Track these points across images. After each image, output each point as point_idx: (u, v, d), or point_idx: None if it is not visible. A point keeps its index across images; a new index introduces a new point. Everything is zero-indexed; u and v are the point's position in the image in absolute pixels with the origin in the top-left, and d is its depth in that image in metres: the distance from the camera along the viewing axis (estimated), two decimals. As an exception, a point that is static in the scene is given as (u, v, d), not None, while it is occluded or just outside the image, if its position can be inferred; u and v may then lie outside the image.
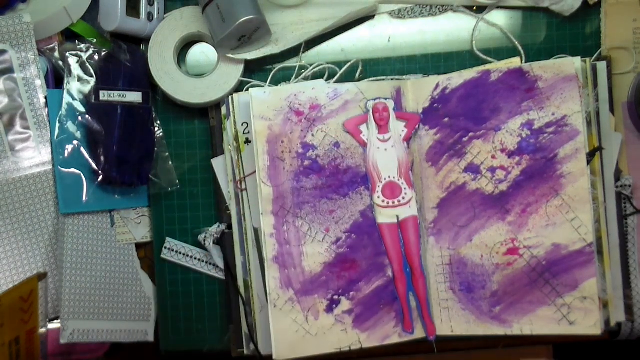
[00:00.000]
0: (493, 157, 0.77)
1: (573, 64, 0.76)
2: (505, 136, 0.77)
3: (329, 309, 0.77)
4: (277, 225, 0.77)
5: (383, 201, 0.77)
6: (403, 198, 0.77)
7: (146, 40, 0.81)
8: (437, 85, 0.78)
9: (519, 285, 0.77)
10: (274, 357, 0.76)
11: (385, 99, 0.78)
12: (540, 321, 0.76)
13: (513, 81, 0.77)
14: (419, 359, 0.84)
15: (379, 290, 0.77)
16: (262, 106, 0.76)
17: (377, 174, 0.77)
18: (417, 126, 0.78)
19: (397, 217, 0.77)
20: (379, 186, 0.77)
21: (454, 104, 0.77)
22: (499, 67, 0.78)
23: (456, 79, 0.77)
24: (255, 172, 0.77)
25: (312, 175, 0.77)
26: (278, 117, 0.77)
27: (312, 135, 0.77)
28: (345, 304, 0.77)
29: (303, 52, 0.82)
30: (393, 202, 0.77)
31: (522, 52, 0.80)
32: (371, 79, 0.81)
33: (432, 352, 0.78)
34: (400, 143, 0.78)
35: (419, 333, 0.78)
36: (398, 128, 0.78)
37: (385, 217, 0.77)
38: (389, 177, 0.77)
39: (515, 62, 0.80)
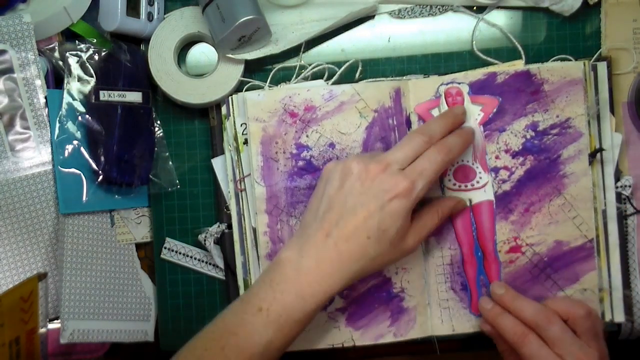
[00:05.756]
0: (497, 157, 0.77)
1: (580, 68, 0.76)
2: (509, 137, 0.77)
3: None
4: (271, 223, 0.77)
5: (454, 184, 0.77)
6: (477, 182, 0.77)
7: (146, 40, 0.81)
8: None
9: (520, 282, 0.77)
10: None
11: (459, 83, 0.77)
12: None
13: (519, 84, 0.77)
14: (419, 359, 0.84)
15: (374, 289, 0.77)
16: (256, 108, 0.76)
17: None
18: (494, 110, 0.76)
19: (470, 200, 0.77)
20: (450, 169, 0.77)
21: (458, 104, 0.77)
22: (504, 69, 0.78)
23: (461, 79, 0.77)
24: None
25: (306, 175, 0.77)
26: (272, 119, 0.77)
27: (307, 136, 0.77)
28: (338, 302, 0.77)
29: (303, 52, 0.82)
30: (466, 186, 0.77)
31: (522, 52, 0.80)
32: (369, 79, 0.81)
33: (435, 352, 0.78)
34: (476, 127, 0.76)
35: None
36: (474, 112, 0.77)
37: None
38: (462, 160, 0.77)
39: (518, 64, 0.79)
